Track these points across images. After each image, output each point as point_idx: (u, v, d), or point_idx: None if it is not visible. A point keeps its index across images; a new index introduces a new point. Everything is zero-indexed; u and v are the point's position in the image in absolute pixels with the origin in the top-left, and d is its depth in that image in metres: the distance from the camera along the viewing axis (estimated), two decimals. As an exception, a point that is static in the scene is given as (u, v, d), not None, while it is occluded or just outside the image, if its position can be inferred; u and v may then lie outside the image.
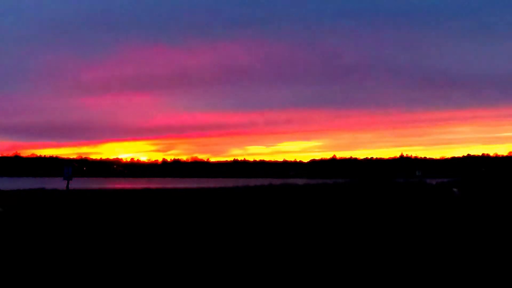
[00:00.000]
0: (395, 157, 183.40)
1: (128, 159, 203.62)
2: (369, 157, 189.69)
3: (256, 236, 13.16)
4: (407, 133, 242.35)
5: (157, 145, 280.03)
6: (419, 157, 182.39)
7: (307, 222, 16.27)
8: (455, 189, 39.78)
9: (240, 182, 55.36)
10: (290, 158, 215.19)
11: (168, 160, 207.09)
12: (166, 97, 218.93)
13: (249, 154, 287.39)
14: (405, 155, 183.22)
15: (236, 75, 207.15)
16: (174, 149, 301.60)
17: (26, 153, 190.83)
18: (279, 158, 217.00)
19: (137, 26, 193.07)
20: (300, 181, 54.52)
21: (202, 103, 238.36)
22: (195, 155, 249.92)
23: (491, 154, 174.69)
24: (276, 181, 51.84)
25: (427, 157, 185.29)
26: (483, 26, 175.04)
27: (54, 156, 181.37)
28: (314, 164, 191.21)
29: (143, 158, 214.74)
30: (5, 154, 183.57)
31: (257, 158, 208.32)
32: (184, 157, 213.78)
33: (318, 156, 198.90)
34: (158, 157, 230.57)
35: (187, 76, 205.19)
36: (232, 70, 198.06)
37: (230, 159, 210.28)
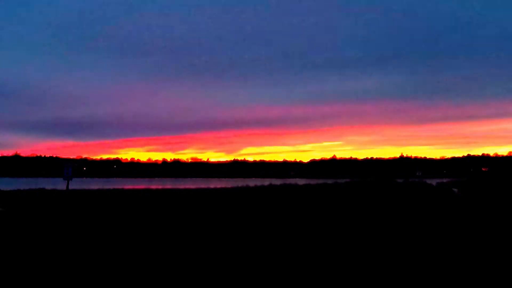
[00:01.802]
0: (395, 157, 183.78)
1: (128, 159, 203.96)
2: (370, 157, 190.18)
3: (257, 236, 13.16)
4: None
5: (167, 144, 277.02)
6: (419, 157, 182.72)
7: (308, 223, 16.27)
8: (455, 189, 39.84)
9: (240, 182, 55.31)
10: (302, 158, 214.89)
11: (168, 160, 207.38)
12: (177, 92, 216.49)
13: (263, 153, 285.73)
14: (405, 155, 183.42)
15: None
16: (188, 148, 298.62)
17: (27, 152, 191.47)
18: (298, 157, 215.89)
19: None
20: (300, 181, 54.49)
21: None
22: (195, 155, 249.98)
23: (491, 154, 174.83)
24: (276, 181, 51.82)
25: (427, 157, 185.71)
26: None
27: (54, 156, 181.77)
28: (314, 164, 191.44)
29: (143, 158, 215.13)
30: (5, 154, 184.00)
31: (278, 158, 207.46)
32: (184, 157, 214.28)
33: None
34: (168, 156, 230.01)
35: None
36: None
37: (230, 159, 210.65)
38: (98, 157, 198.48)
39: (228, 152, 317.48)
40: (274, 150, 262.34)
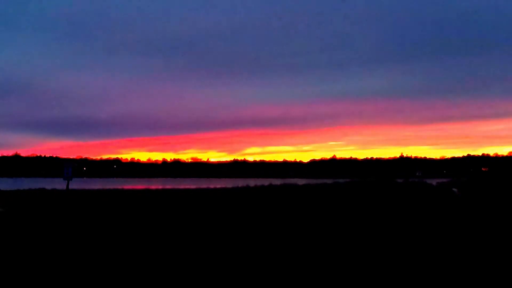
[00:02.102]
0: (395, 157, 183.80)
1: (128, 159, 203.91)
2: (370, 157, 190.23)
3: (256, 236, 13.16)
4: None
5: (167, 144, 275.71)
6: (419, 157, 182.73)
7: (307, 223, 16.27)
8: (455, 189, 39.83)
9: (240, 182, 55.28)
10: (302, 158, 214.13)
11: (168, 160, 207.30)
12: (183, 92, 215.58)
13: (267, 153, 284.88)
14: (405, 155, 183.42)
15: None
16: (190, 148, 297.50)
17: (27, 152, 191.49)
18: (299, 158, 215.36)
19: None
20: (300, 181, 54.45)
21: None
22: (197, 155, 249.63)
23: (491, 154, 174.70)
24: (276, 181, 51.79)
25: (427, 157, 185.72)
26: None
27: (54, 156, 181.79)
28: (314, 164, 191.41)
29: (143, 158, 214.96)
30: (5, 154, 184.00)
31: (279, 158, 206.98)
32: (185, 157, 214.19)
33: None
34: (168, 156, 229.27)
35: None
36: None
37: (230, 159, 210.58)
38: (98, 157, 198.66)
39: (230, 152, 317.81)
40: (276, 150, 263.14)
